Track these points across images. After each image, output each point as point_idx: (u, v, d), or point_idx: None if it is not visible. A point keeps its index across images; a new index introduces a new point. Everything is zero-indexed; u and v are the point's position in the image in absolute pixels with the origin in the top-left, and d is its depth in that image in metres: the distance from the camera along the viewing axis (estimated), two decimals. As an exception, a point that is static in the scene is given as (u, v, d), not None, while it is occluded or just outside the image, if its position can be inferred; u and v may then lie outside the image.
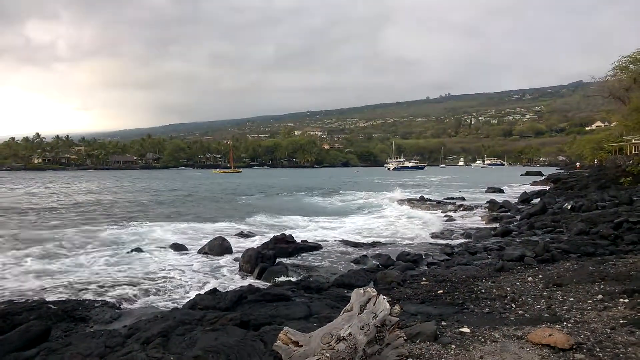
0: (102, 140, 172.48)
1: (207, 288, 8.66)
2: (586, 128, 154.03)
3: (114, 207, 27.88)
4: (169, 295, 8.86)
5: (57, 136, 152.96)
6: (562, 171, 77.64)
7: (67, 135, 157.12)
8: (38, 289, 9.26)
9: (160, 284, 9.54)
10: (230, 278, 10.28)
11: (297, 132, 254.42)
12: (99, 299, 8.37)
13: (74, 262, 11.84)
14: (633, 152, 53.73)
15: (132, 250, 12.98)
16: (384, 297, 5.39)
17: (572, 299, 6.21)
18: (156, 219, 21.45)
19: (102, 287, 9.26)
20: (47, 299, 8.26)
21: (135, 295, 8.75)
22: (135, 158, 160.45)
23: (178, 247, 13.54)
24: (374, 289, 5.53)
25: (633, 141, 53.68)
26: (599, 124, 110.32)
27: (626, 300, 5.75)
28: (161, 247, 13.79)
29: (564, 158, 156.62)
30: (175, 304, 8.04)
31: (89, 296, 8.57)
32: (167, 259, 12.18)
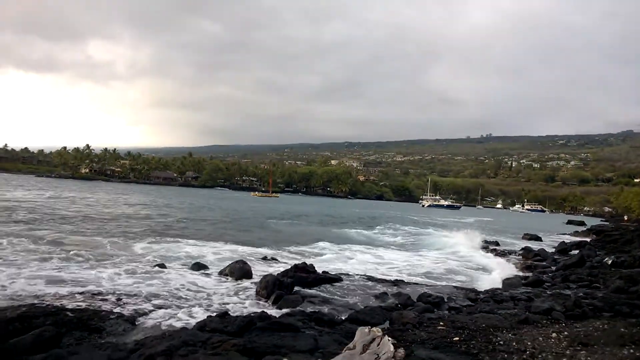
0: (146, 156, 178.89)
1: (220, 311, 8.63)
2: (635, 180, 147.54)
3: (151, 221, 28.52)
4: (182, 314, 8.87)
5: (105, 149, 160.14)
6: (607, 223, 74.35)
7: (115, 149, 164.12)
8: (59, 295, 9.49)
9: (176, 302, 9.62)
10: (245, 303, 10.21)
11: (333, 162, 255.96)
12: (116, 310, 8.51)
13: (99, 272, 12.09)
14: (684, 208, 51.04)
15: (155, 266, 13.17)
16: (390, 338, 5.21)
17: (596, 361, 5.80)
18: (188, 237, 21.76)
19: (120, 299, 9.40)
20: (66, 306, 8.44)
21: (150, 311, 8.84)
22: (175, 175, 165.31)
23: (200, 267, 13.68)
24: (379, 329, 5.37)
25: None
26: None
27: (656, 369, 5.31)
28: (184, 265, 13.98)
29: (609, 209, 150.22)
30: (186, 324, 8.03)
31: (107, 307, 8.71)
32: (187, 277, 12.27)
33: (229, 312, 8.14)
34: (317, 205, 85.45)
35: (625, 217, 74.82)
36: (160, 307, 9.18)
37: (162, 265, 13.36)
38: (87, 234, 19.84)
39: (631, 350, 6.18)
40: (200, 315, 8.75)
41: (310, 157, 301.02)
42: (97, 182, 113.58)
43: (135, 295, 9.89)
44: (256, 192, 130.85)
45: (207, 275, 12.90)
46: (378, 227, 40.51)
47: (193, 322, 8.09)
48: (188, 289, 10.97)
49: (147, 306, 9.12)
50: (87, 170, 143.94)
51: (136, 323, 8.09)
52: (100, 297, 9.44)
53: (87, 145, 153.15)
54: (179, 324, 8.10)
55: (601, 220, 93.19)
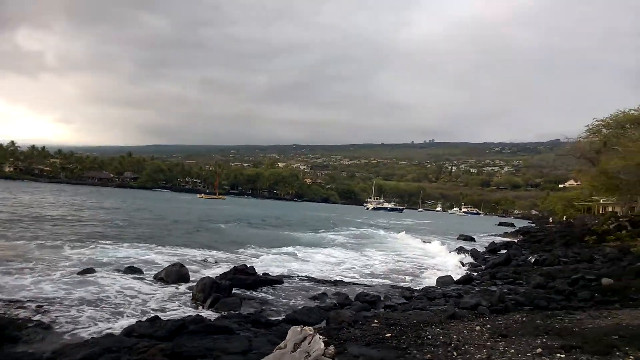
0: (79, 154, 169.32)
1: (150, 315, 8.39)
2: (559, 185, 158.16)
3: (83, 223, 27.09)
4: (109, 321, 8.50)
5: (33, 146, 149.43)
6: (533, 225, 79.14)
7: (44, 146, 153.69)
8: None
9: (104, 308, 9.21)
10: (179, 307, 9.97)
11: (280, 164, 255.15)
12: (35, 318, 8.00)
13: (19, 278, 11.34)
14: (600, 212, 55.42)
15: (83, 271, 12.46)
16: (321, 336, 5.33)
17: (512, 350, 6.21)
18: (124, 240, 20.82)
19: (40, 306, 8.84)
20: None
21: (74, 318, 8.39)
22: (112, 175, 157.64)
23: (133, 271, 13.12)
24: (311, 328, 5.48)
25: (601, 202, 55.42)
26: (571, 182, 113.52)
27: (563, 356, 5.78)
28: (117, 270, 13.33)
29: (536, 212, 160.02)
30: (113, 331, 7.73)
31: (25, 314, 8.19)
32: (118, 282, 11.75)
33: (159, 317, 7.89)
34: (263, 207, 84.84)
35: (550, 220, 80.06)
36: (84, 313, 8.72)
37: (90, 270, 12.63)
38: (8, 238, 18.55)
39: (544, 340, 6.67)
40: (130, 321, 8.45)
41: (257, 159, 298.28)
42: (23, 182, 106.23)
43: (58, 302, 9.34)
44: (202, 194, 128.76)
45: (141, 279, 12.44)
46: (323, 229, 40.89)
47: (120, 327, 7.82)
48: (118, 294, 10.52)
49: (71, 313, 8.64)
50: (12, 169, 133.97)
51: (56, 331, 7.65)
52: (18, 305, 8.85)
53: (12, 142, 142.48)
54: (105, 331, 7.78)
55: (528, 222, 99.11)
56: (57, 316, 8.39)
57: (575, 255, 20.34)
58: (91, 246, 18.02)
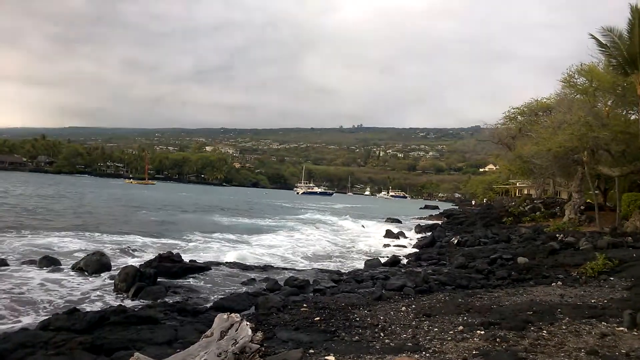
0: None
1: (68, 307, 7.80)
2: (480, 169, 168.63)
3: (6, 214, 24.57)
4: (23, 315, 7.86)
5: None
6: (456, 207, 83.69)
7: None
8: None
9: (16, 303, 8.46)
10: (100, 298, 9.39)
11: (208, 148, 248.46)
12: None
13: None
14: (516, 194, 59.76)
15: (-8, 262, 11.36)
16: (248, 323, 5.19)
17: (436, 329, 6.46)
18: (42, 229, 19.31)
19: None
20: None
21: (-19, 314, 7.63)
22: (24, 160, 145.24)
23: (50, 261, 12.11)
24: (238, 315, 5.32)
25: (517, 185, 59.74)
26: (491, 166, 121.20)
27: (482, 332, 6.09)
28: (32, 261, 12.27)
29: (459, 195, 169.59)
30: (27, 326, 7.10)
31: None
32: (33, 273, 10.88)
33: (77, 309, 7.36)
34: (194, 192, 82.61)
35: (473, 202, 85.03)
36: (-5, 307, 7.99)
37: (3, 262, 11.57)
38: None
39: (465, 318, 7.01)
40: (45, 315, 7.81)
41: (183, 143, 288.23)
42: None
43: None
44: (131, 180, 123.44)
45: (59, 270, 11.57)
46: (254, 213, 40.48)
47: (36, 323, 7.19)
48: (33, 287, 9.71)
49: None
50: None
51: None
52: None
53: None
54: (19, 326, 7.12)
55: (452, 205, 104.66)
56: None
57: (494, 236, 21.73)
58: (5, 236, 16.47)
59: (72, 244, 16.05)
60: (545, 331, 6.08)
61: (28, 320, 7.66)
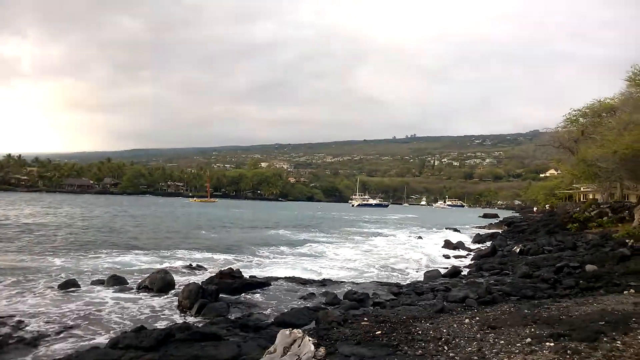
0: (57, 162, 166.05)
1: (136, 325, 8.19)
2: (540, 175, 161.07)
3: (76, 234, 26.21)
4: (93, 333, 8.29)
5: (9, 155, 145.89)
6: (517, 215, 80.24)
7: (20, 155, 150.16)
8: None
9: (87, 321, 8.96)
10: (166, 315, 9.77)
11: (263, 164, 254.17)
12: (15, 335, 7.74)
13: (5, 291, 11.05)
14: (581, 199, 56.49)
15: (65, 283, 12.14)
16: (310, 338, 5.26)
17: (502, 341, 6.22)
18: (114, 249, 20.51)
19: (21, 322, 8.54)
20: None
21: (57, 333, 8.13)
22: (91, 182, 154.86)
23: (117, 280, 12.76)
24: (300, 330, 5.40)
25: (581, 189, 56.51)
26: (552, 171, 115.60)
27: (552, 344, 5.80)
28: (99, 280, 13.00)
29: (519, 202, 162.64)
30: (98, 344, 7.52)
31: (5, 331, 7.90)
32: (102, 293, 11.50)
33: (144, 326, 7.70)
34: (252, 208, 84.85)
35: (535, 209, 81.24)
36: (69, 327, 8.49)
37: (73, 281, 12.34)
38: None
39: (532, 329, 6.70)
40: (114, 333, 8.23)
41: (239, 160, 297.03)
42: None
43: (39, 316, 9.06)
44: (195, 198, 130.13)
45: (125, 289, 12.16)
46: (315, 228, 40.77)
47: (107, 340, 7.61)
48: (102, 306, 10.26)
49: (54, 328, 8.38)
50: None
51: (40, 347, 7.41)
52: (-1, 320, 8.59)
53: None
54: (90, 344, 7.57)
55: (512, 213, 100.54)
56: (38, 332, 8.11)
57: (559, 243, 20.66)
58: (80, 257, 17.64)
59: (139, 262, 16.88)
60: (619, 342, 5.71)
61: (99, 339, 8.01)
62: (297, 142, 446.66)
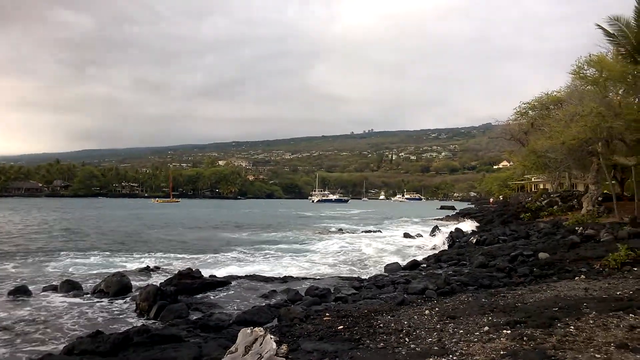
0: (2, 165, 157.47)
1: (92, 330, 7.86)
2: (494, 167, 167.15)
3: (29, 239, 25.09)
4: (47, 340, 7.91)
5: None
6: (472, 206, 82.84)
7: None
8: None
9: (40, 327, 8.55)
10: (123, 319, 9.46)
11: (221, 162, 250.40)
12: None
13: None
14: (532, 189, 59.00)
15: (15, 289, 11.50)
16: (272, 336, 5.19)
17: (461, 331, 6.37)
18: (69, 253, 19.74)
19: (-33, 331, 8.10)
20: None
21: (7, 340, 7.75)
22: (40, 185, 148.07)
23: (71, 285, 12.22)
24: (261, 329, 5.32)
25: (533, 180, 59.00)
26: (505, 163, 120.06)
27: (509, 332, 5.98)
28: (53, 285, 12.40)
29: (475, 194, 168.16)
30: (52, 350, 7.17)
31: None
32: (55, 298, 11.00)
33: (101, 331, 7.40)
34: (216, 207, 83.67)
35: (491, 200, 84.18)
36: (21, 334, 8.09)
37: (24, 289, 11.68)
38: None
39: (489, 318, 6.90)
40: (71, 338, 7.88)
41: (196, 159, 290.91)
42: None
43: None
44: (157, 199, 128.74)
45: (80, 294, 11.65)
46: (277, 226, 40.50)
47: (60, 347, 7.27)
48: (55, 313, 9.80)
49: (5, 335, 7.98)
50: None
51: (-11, 358, 7.03)
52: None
53: None
54: (43, 351, 7.19)
55: (468, 204, 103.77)
56: (-16, 342, 7.67)
57: (513, 233, 21.47)
58: (30, 262, 16.91)
59: (93, 266, 16.25)
60: (572, 327, 5.96)
61: (53, 345, 7.68)
62: (255, 139, 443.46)
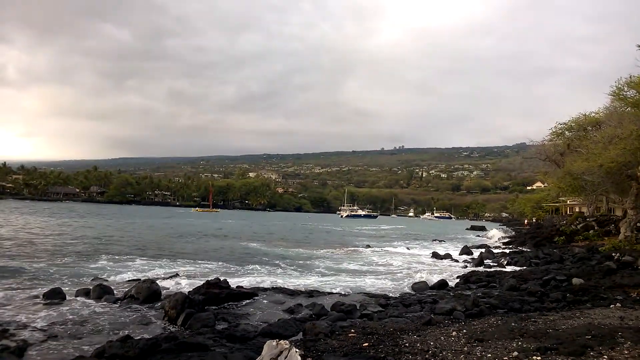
0: (43, 170, 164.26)
1: (122, 335, 8.07)
2: (527, 187, 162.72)
3: (68, 243, 25.87)
4: (78, 343, 8.15)
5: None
6: (504, 227, 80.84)
7: (5, 162, 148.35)
8: None
9: (72, 330, 8.84)
10: (151, 325, 9.64)
11: (251, 174, 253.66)
12: (1, 342, 7.63)
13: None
14: (567, 212, 57.18)
15: (50, 291, 11.89)
16: (297, 350, 5.23)
17: (489, 355, 6.24)
18: (103, 255, 20.63)
19: (5, 330, 8.41)
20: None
21: (41, 342, 8.01)
22: (77, 190, 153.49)
23: (103, 290, 12.56)
24: (287, 342, 5.37)
25: (568, 202, 57.23)
26: (539, 184, 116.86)
27: (539, 358, 5.83)
28: (86, 289, 12.79)
29: (507, 214, 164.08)
30: (84, 353, 7.40)
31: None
32: (87, 302, 11.34)
33: (130, 336, 7.60)
34: (250, 219, 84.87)
35: (526, 222, 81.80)
36: (54, 336, 8.36)
37: (59, 291, 12.06)
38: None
39: (519, 343, 6.73)
40: (101, 341, 8.10)
41: (227, 170, 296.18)
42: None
43: (24, 325, 8.91)
44: (197, 208, 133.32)
45: (111, 299, 11.93)
46: (307, 240, 40.53)
47: (92, 349, 7.48)
48: (88, 315, 10.12)
49: (39, 336, 8.25)
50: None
51: (24, 356, 7.30)
52: (-19, 329, 8.42)
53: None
54: (75, 354, 7.43)
55: (499, 225, 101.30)
56: (24, 340, 7.95)
57: (546, 256, 20.85)
58: (67, 264, 17.54)
59: (123, 272, 16.67)
60: (606, 356, 5.76)
61: (84, 348, 7.87)
62: (285, 152, 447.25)
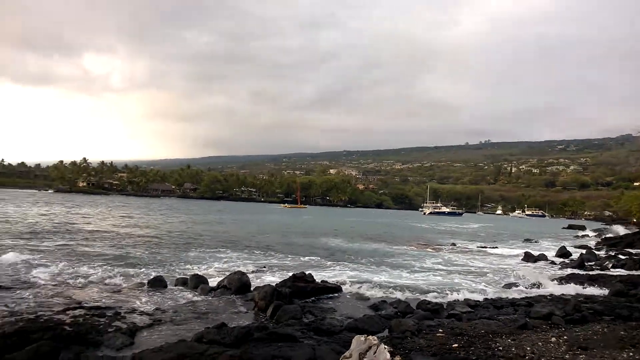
0: (143, 168, 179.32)
1: (217, 322, 8.58)
2: (635, 183, 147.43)
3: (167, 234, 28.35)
4: (179, 327, 8.85)
5: (102, 162, 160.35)
6: (608, 226, 74.15)
7: (112, 162, 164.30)
8: (60, 308, 9.48)
9: (172, 316, 9.59)
10: (243, 314, 10.16)
11: (332, 171, 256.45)
12: (114, 324, 8.49)
13: (105, 284, 12.22)
14: (683, 211, 51.00)
15: (153, 280, 12.99)
16: (386, 346, 5.19)
17: (595, 365, 5.77)
18: (199, 248, 22.17)
19: (118, 314, 9.33)
20: (64, 321, 8.39)
21: (148, 325, 8.81)
22: (173, 187, 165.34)
23: (199, 280, 13.41)
24: (375, 337, 5.36)
25: (684, 200, 51.04)
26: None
27: (655, 372, 5.28)
28: (183, 278, 13.75)
29: (610, 213, 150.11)
30: (184, 337, 7.97)
31: (105, 321, 8.69)
32: (184, 291, 12.21)
33: (225, 324, 8.07)
34: (335, 215, 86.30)
35: (634, 220, 74.24)
36: (158, 321, 9.12)
37: (161, 280, 13.12)
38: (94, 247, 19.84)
39: (630, 353, 6.15)
40: (199, 327, 8.69)
41: (308, 167, 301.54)
42: (96, 196, 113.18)
43: (133, 310, 9.81)
44: (285, 204, 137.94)
45: (206, 288, 12.70)
46: (390, 238, 40.33)
47: (190, 335, 8.04)
48: (187, 303, 10.93)
49: (146, 321, 9.06)
50: (85, 184, 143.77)
51: (134, 337, 8.05)
52: (98, 312, 9.39)
53: (84, 158, 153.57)
54: (177, 337, 8.04)
55: (602, 224, 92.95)
56: (132, 322, 8.81)
57: (657, 259, 18.81)
58: (168, 255, 19.10)
59: (217, 264, 17.69)
60: None
61: (184, 333, 8.47)
62: (366, 149, 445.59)
